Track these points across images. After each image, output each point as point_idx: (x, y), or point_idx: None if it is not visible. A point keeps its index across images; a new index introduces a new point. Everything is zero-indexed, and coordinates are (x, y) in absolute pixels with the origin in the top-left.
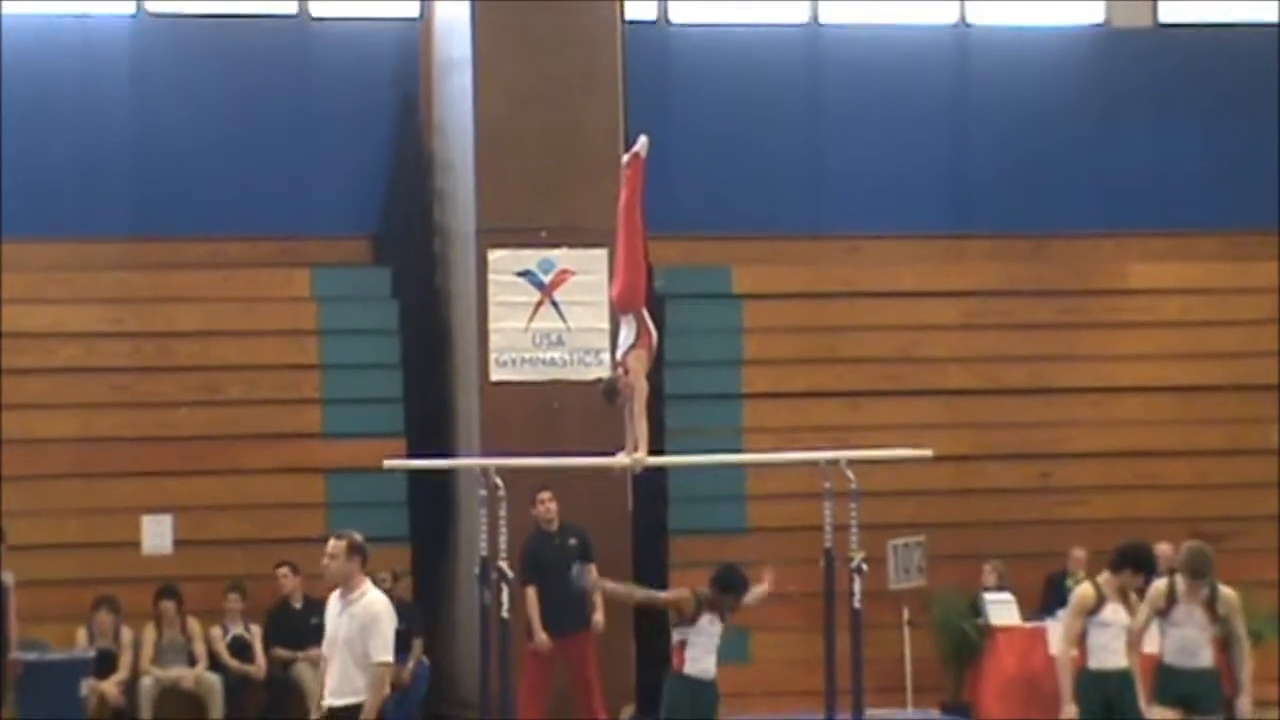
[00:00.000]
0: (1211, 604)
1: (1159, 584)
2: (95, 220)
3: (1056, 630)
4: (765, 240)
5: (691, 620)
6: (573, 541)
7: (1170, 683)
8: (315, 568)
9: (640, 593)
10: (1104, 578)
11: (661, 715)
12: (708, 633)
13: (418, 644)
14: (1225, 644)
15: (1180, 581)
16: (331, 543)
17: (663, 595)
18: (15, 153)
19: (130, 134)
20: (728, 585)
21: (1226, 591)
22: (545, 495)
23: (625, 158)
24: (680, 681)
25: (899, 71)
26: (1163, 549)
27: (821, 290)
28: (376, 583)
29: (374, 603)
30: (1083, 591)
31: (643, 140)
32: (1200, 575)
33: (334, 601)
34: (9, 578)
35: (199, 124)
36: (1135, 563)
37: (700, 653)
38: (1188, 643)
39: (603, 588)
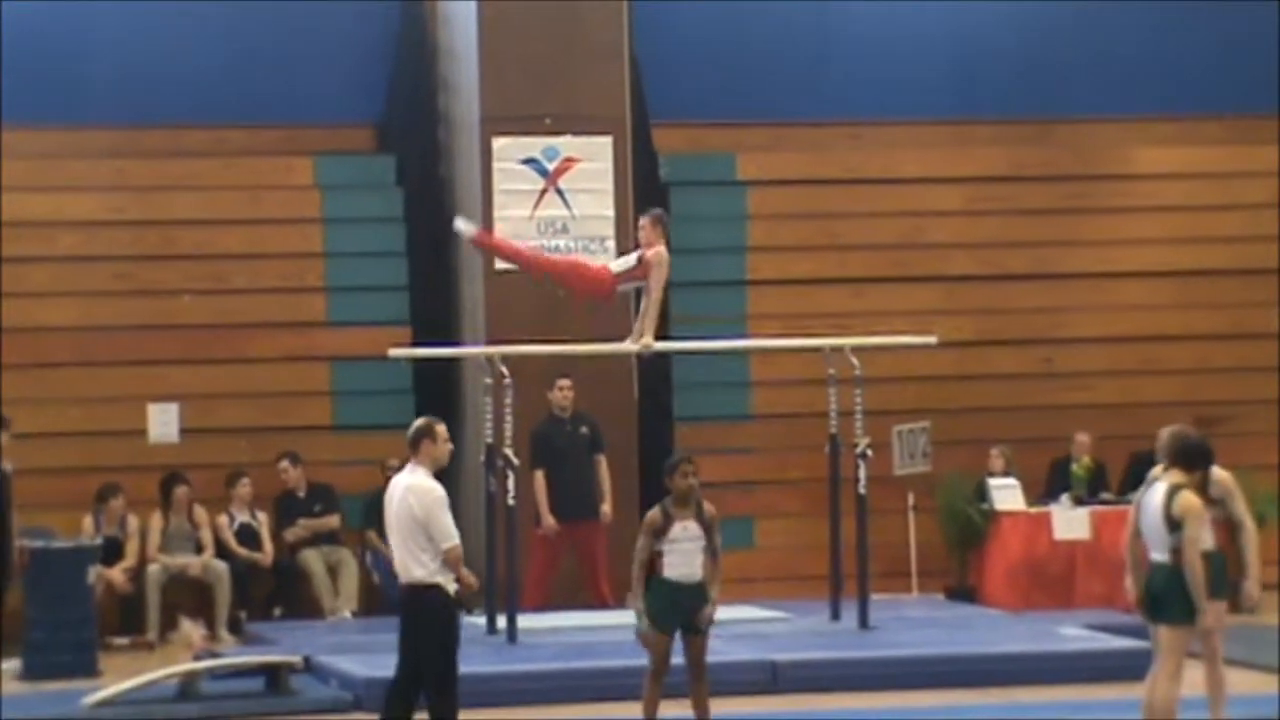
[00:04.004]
0: (1204, 487)
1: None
2: (94, 108)
3: (1194, 543)
4: (769, 127)
5: (662, 532)
6: (584, 430)
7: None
8: (320, 455)
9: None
10: (1178, 477)
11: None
12: (682, 539)
13: None
14: (1229, 528)
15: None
16: None
17: (640, 537)
18: (13, 38)
19: (129, 20)
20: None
21: (1220, 473)
22: (565, 382)
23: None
24: (661, 584)
25: None
26: (1163, 433)
27: (825, 176)
28: (387, 470)
29: None
30: (1192, 502)
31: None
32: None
33: None
34: (8, 466)
35: (199, 9)
36: (1206, 461)
37: (678, 559)
38: None
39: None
